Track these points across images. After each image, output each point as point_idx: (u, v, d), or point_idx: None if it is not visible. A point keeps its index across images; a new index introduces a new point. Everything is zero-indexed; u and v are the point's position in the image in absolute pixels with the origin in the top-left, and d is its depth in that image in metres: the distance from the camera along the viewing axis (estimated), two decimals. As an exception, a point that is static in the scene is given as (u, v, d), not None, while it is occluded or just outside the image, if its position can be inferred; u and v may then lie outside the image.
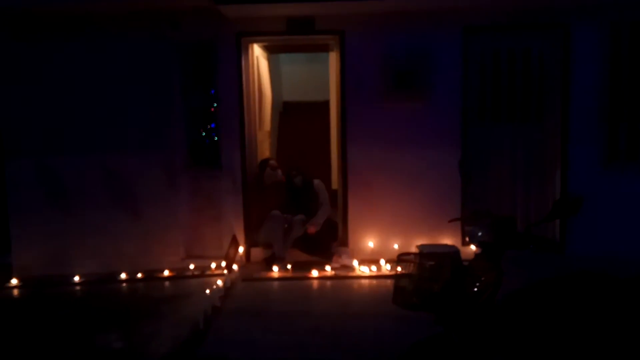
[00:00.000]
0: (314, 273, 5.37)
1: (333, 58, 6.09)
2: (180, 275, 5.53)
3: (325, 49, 6.41)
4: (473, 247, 3.04)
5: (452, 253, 4.50)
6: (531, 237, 2.82)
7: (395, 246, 5.70)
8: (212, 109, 5.97)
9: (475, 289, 2.83)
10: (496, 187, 5.82)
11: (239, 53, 5.75)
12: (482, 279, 2.82)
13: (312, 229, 5.57)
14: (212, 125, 6.02)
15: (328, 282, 5.28)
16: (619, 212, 5.57)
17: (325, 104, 6.70)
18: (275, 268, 5.48)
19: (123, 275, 5.51)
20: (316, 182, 5.91)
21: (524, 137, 5.76)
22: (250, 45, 5.97)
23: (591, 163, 5.61)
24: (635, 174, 5.61)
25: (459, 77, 5.63)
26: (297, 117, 8.23)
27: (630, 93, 5.59)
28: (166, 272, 5.57)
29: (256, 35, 5.85)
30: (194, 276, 5.49)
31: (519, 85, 5.70)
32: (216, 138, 5.97)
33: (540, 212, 5.59)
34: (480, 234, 2.95)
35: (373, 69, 5.67)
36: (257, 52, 6.23)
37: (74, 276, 5.49)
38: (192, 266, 5.66)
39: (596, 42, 5.52)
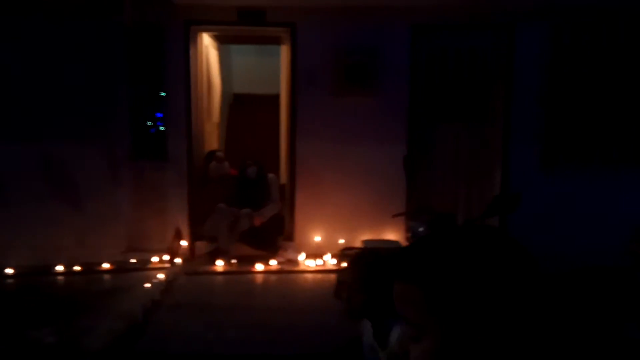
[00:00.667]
0: (259, 267, 5.33)
1: (284, 51, 6.04)
2: (120, 268, 5.37)
3: (276, 41, 6.35)
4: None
5: (394, 249, 4.60)
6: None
7: (341, 241, 5.74)
8: (159, 98, 5.81)
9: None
10: (440, 183, 5.95)
11: (188, 42, 5.62)
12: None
13: (257, 221, 5.53)
14: (159, 115, 5.87)
15: (273, 277, 5.26)
16: (556, 211, 5.80)
17: (276, 97, 6.63)
18: (219, 262, 5.41)
19: (60, 268, 5.30)
20: (270, 176, 5.86)
21: (468, 135, 5.90)
22: (199, 34, 5.85)
23: (531, 163, 5.81)
24: (572, 176, 5.85)
25: (407, 74, 5.70)
26: (248, 109, 8.13)
27: (569, 96, 5.80)
28: (106, 265, 5.39)
29: (206, 24, 5.74)
30: (134, 269, 5.34)
31: (464, 85, 5.83)
32: (162, 128, 5.82)
33: (482, 209, 5.74)
34: (421, 229, 3.01)
35: (323, 62, 5.67)
36: (207, 42, 6.12)
37: (7, 268, 5.24)
38: (133, 259, 5.51)
39: (538, 44, 5.69)
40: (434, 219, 3.04)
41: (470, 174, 5.96)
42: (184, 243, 5.68)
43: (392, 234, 5.72)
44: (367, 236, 5.68)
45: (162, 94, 5.76)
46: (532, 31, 5.68)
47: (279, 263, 5.47)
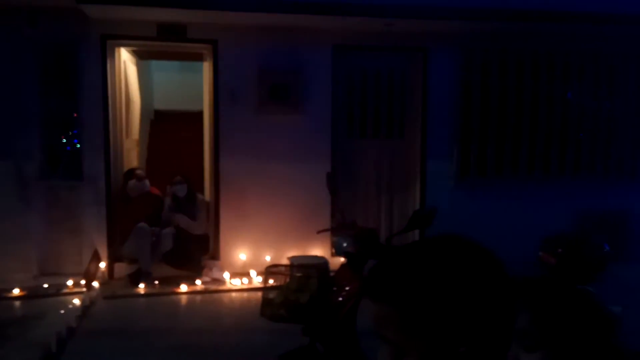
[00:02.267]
0: (183, 288, 5.19)
1: (206, 68, 5.98)
2: (32, 294, 5.03)
3: (199, 57, 6.28)
4: (342, 258, 3.15)
5: (320, 264, 4.63)
6: (391, 248, 2.99)
7: (268, 258, 5.71)
8: (75, 115, 5.56)
9: (340, 299, 2.93)
10: (363, 199, 6.10)
11: (104, 56, 5.44)
12: (347, 289, 2.93)
13: (181, 221, 5.44)
14: (75, 132, 5.61)
15: (198, 297, 5.14)
16: (470, 223, 6.04)
17: (200, 114, 6.54)
18: (141, 284, 5.21)
19: (-37, 296, 4.90)
20: (201, 197, 5.75)
21: (388, 152, 6.11)
22: (117, 49, 5.68)
23: (446, 178, 6.08)
24: (484, 189, 6.19)
25: (329, 93, 5.83)
26: (169, 126, 7.95)
27: (480, 114, 6.15)
28: (16, 291, 5.03)
29: (123, 38, 5.58)
30: (47, 295, 5.03)
31: (383, 103, 6.04)
32: (78, 145, 5.57)
33: (403, 223, 5.93)
34: (345, 244, 3.06)
35: (247, 80, 5.67)
36: (125, 57, 5.94)
37: None
38: (46, 284, 5.19)
39: (451, 66, 6.02)
40: (357, 233, 3.11)
41: (392, 188, 6.15)
42: (102, 265, 5.43)
43: (318, 250, 5.76)
44: (293, 252, 5.69)
45: (77, 110, 5.52)
46: (444, 55, 5.99)
47: (203, 283, 5.36)
